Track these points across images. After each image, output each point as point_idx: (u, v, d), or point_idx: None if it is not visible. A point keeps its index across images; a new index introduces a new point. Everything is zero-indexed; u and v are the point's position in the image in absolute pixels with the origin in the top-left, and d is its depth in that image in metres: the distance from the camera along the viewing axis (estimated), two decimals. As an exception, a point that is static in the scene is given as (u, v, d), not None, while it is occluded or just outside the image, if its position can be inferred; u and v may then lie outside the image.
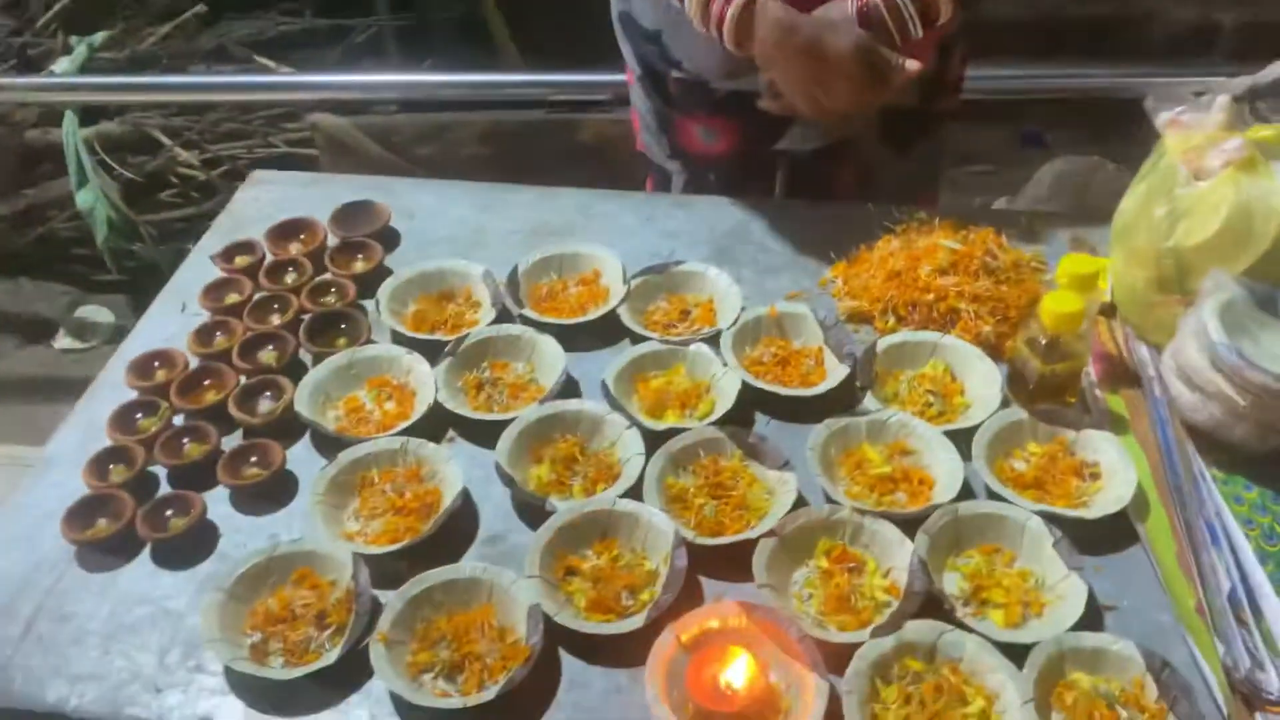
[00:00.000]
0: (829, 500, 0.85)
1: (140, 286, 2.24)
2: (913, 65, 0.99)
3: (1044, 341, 0.90)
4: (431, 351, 0.99)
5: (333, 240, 1.14)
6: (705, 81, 1.17)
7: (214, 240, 1.19)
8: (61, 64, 2.10)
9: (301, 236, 1.14)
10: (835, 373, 0.97)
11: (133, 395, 0.96)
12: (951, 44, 1.22)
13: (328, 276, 1.10)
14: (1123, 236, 1.00)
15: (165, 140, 2.12)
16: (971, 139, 2.52)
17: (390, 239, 1.17)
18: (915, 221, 1.13)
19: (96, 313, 2.24)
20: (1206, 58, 2.58)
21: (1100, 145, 2.48)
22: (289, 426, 0.93)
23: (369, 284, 1.08)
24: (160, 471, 0.91)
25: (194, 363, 1.00)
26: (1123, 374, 0.97)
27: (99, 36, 2.16)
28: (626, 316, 1.03)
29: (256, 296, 1.07)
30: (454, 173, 1.96)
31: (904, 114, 1.20)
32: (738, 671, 0.71)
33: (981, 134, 2.56)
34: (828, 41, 0.98)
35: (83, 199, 2.08)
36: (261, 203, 1.25)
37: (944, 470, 0.87)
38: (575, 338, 1.02)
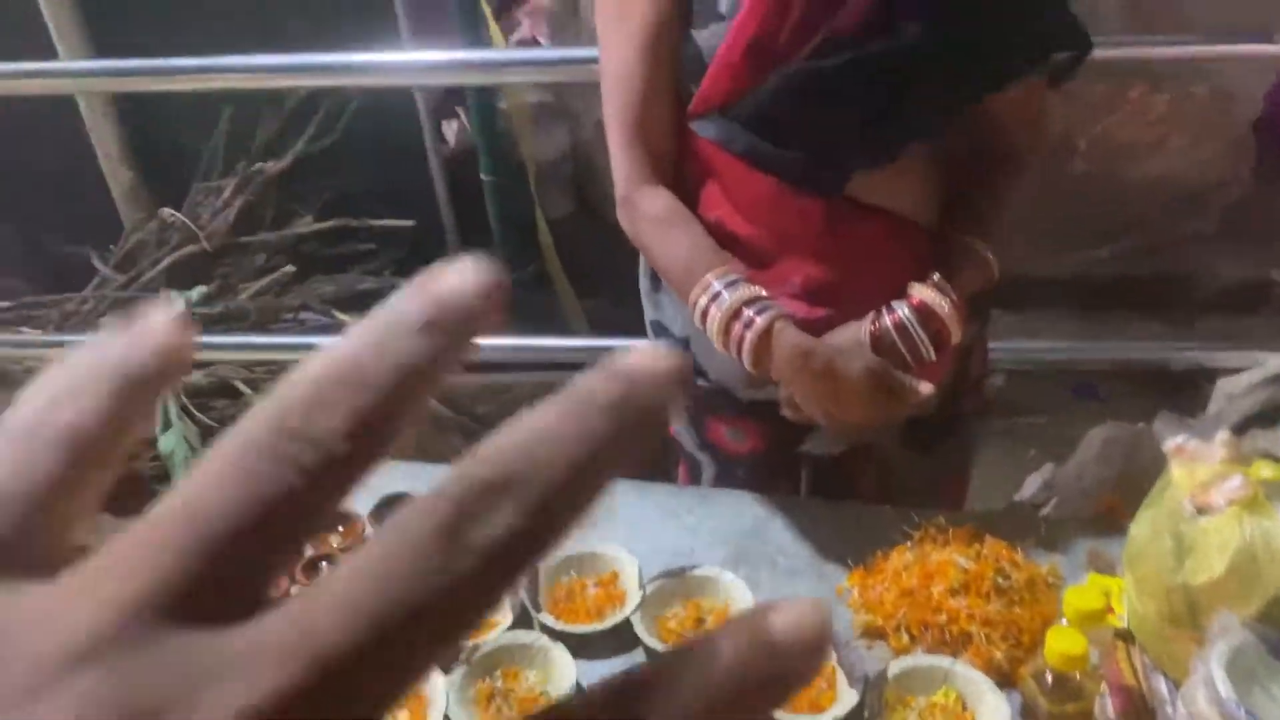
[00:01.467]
0: None
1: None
2: (925, 388, 1.04)
3: (1050, 680, 0.90)
4: (450, 659, 1.02)
5: (371, 534, 1.20)
6: (730, 389, 1.24)
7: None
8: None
9: (340, 529, 1.21)
10: (846, 697, 0.97)
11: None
12: (970, 348, 1.26)
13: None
14: (1133, 564, 1.00)
15: (245, 389, 2.27)
16: (1023, 389, 2.55)
17: (425, 532, 1.23)
18: (933, 527, 1.15)
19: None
20: (1258, 314, 2.61)
21: (1155, 398, 2.49)
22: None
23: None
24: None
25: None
26: (1143, 709, 0.96)
27: (197, 292, 2.35)
28: (640, 626, 1.06)
29: (293, 590, 1.12)
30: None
31: (926, 418, 1.24)
32: None
33: (1034, 385, 2.59)
34: (841, 365, 1.03)
35: (164, 443, 2.22)
36: (311, 488, 1.32)
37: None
38: (589, 645, 1.05)
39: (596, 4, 1.18)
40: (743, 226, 1.13)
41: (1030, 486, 2.05)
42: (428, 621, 0.16)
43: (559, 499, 0.17)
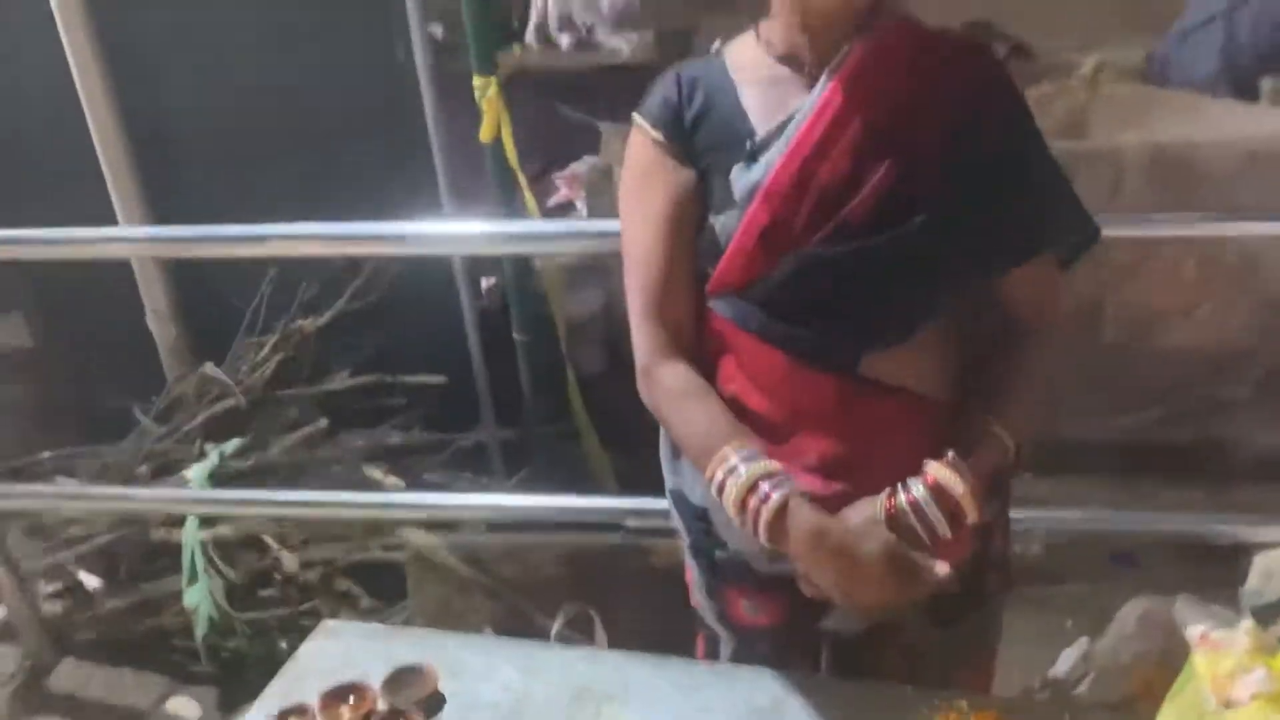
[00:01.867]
0: None
1: (230, 680, 2.32)
2: (943, 569, 1.03)
3: None
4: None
5: (382, 705, 1.19)
6: (749, 561, 1.23)
7: (278, 686, 1.26)
8: (194, 470, 2.33)
9: (351, 700, 1.20)
10: None
11: None
12: (992, 524, 1.25)
13: (371, 745, 1.13)
14: (1163, 759, 0.96)
15: (272, 544, 2.28)
16: (1060, 557, 2.50)
17: (435, 704, 1.21)
18: (955, 712, 1.11)
19: (184, 706, 2.31)
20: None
21: (1194, 567, 2.43)
22: None
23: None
24: None
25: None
26: None
27: (231, 445, 2.40)
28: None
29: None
30: (534, 593, 2.03)
31: (949, 596, 1.22)
32: None
33: (1070, 553, 2.53)
34: (856, 546, 1.03)
35: (190, 597, 2.22)
36: (326, 654, 1.32)
37: None
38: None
39: (620, 184, 1.24)
40: (759, 401, 1.14)
41: (1065, 662, 1.99)
42: None
43: None
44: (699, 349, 1.19)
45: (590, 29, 3.52)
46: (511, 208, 2.31)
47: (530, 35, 3.70)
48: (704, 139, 1.15)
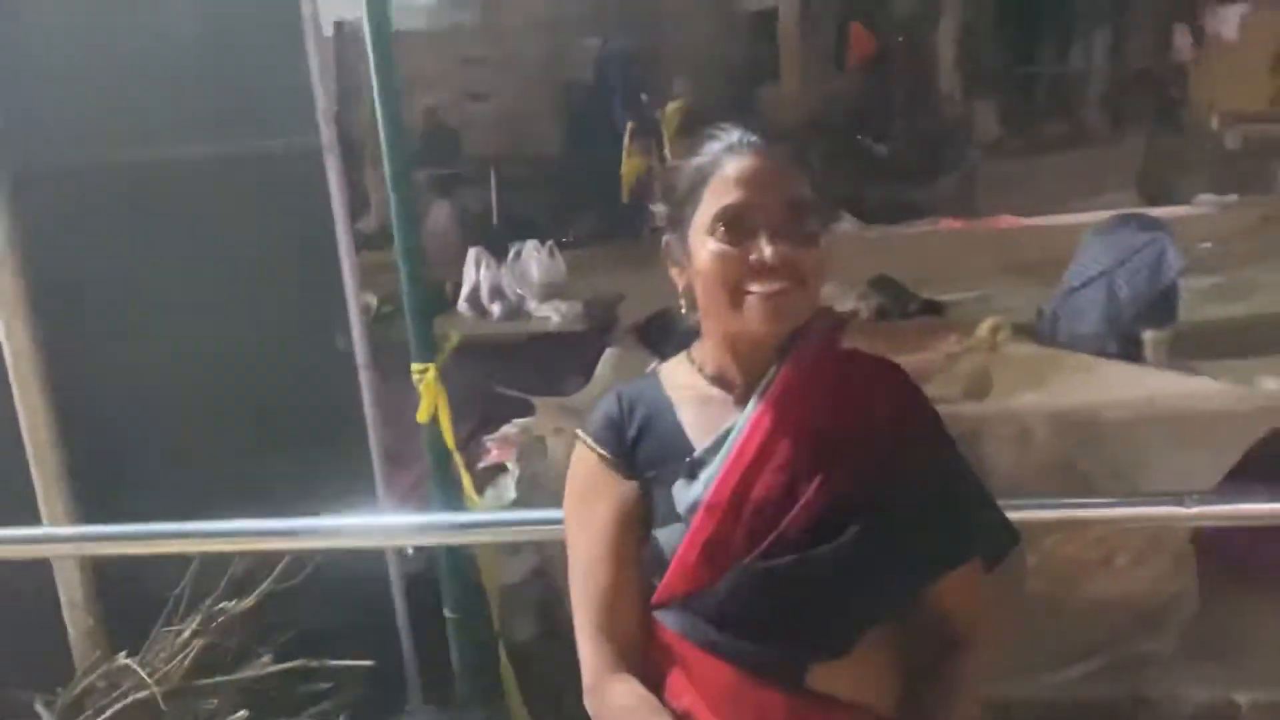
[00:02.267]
0: None
1: None
2: None
3: None
4: None
5: None
6: None
7: None
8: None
9: None
10: None
11: None
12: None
13: None
14: None
15: None
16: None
17: None
18: None
19: None
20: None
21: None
22: None
23: None
24: None
25: None
26: None
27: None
28: None
29: None
30: None
31: None
32: None
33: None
34: None
35: None
36: None
37: None
38: None
39: (566, 493, 1.28)
40: (709, 717, 1.15)
41: None
42: None
43: None
44: (648, 663, 1.20)
45: (520, 298, 3.70)
46: (446, 487, 2.33)
47: (462, 304, 3.87)
48: (645, 455, 1.21)
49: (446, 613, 2.42)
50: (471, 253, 3.77)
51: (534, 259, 3.70)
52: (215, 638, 2.41)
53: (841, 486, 1.13)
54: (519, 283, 3.66)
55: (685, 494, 1.16)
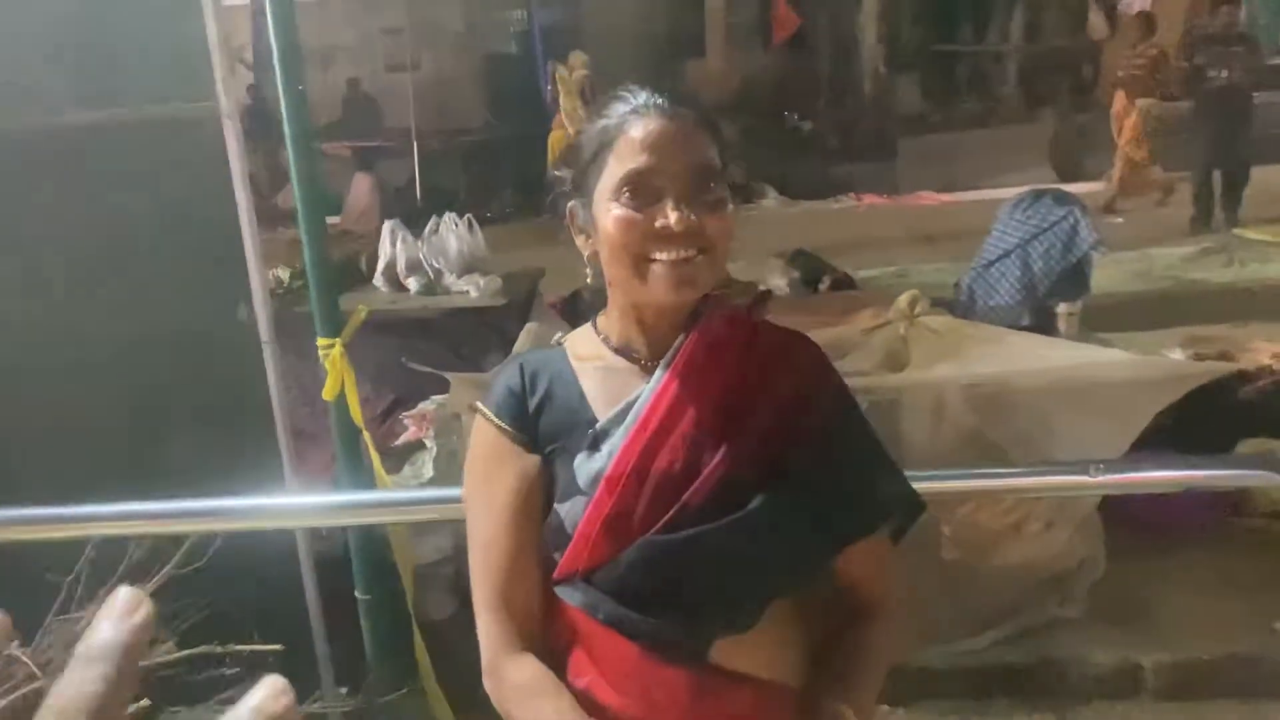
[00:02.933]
0: None
1: None
2: None
3: None
4: None
5: None
6: None
7: None
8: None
9: None
10: None
11: None
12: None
13: None
14: None
15: None
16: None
17: None
18: None
19: None
20: (1134, 698, 2.66)
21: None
22: None
23: None
24: None
25: None
26: None
27: (36, 736, 2.16)
28: None
29: None
30: None
31: None
32: None
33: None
34: None
35: None
36: None
37: None
38: None
39: (465, 467, 1.24)
40: (611, 696, 1.12)
41: None
42: None
43: None
44: (550, 641, 1.17)
45: (438, 273, 3.63)
46: (355, 466, 2.27)
47: (379, 278, 3.78)
48: (547, 426, 1.18)
49: (358, 594, 2.37)
50: (387, 226, 3.68)
51: (452, 233, 3.62)
52: (115, 624, 2.31)
53: (746, 457, 1.11)
54: (436, 257, 3.58)
55: (587, 466, 1.13)
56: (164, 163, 2.33)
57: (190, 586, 2.41)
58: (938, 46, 11.85)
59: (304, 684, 2.49)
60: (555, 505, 1.15)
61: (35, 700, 2.27)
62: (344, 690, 2.58)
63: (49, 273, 2.38)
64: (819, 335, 3.70)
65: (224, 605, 2.43)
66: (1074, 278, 4.73)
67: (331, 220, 8.07)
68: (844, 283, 4.58)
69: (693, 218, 1.08)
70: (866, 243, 7.53)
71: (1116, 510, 2.98)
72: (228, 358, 2.40)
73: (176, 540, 2.38)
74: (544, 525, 1.15)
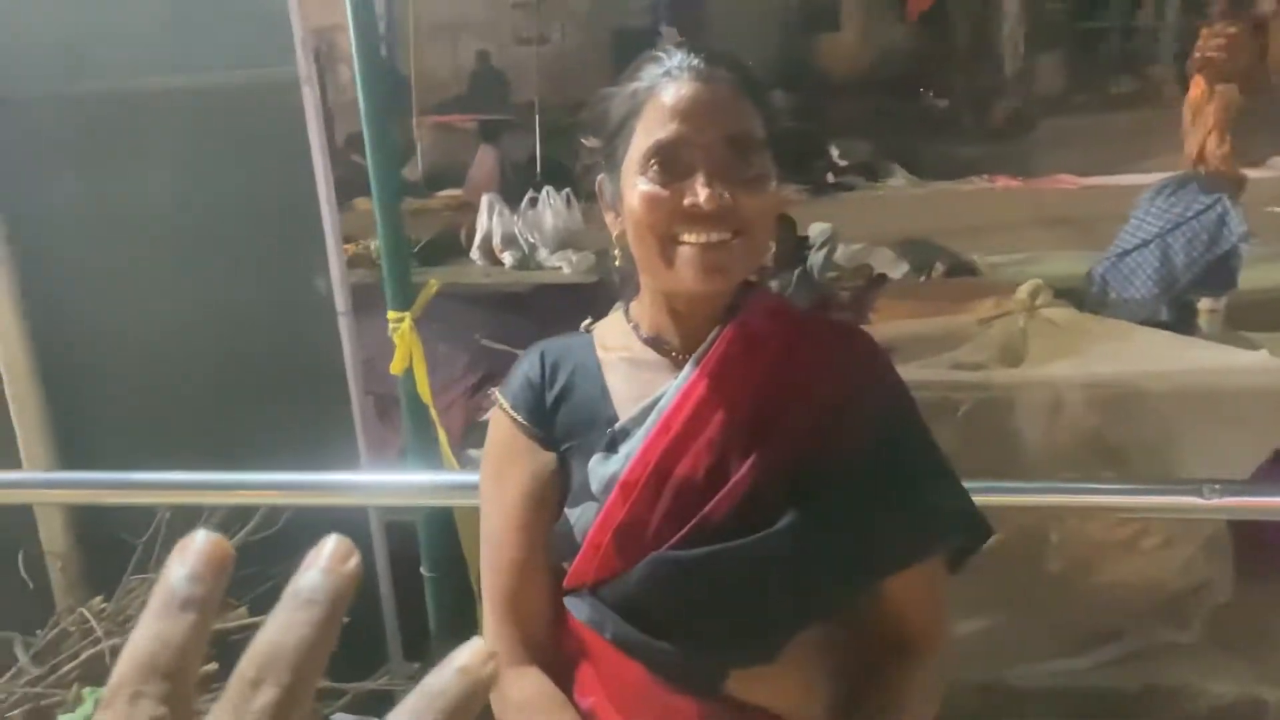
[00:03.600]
0: None
1: None
2: None
3: None
4: None
5: None
6: None
7: None
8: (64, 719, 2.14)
9: None
10: None
11: None
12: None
13: None
14: None
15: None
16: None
17: None
18: None
19: None
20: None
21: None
22: None
23: None
24: None
25: None
26: None
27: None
28: None
29: None
30: None
31: None
32: None
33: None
34: None
35: None
36: None
37: None
38: None
39: (482, 458, 1.16)
40: None
41: None
42: None
43: (297, 674, 0.30)
44: (560, 651, 1.09)
45: (533, 247, 3.58)
46: (423, 443, 2.23)
47: (475, 252, 3.76)
48: (564, 422, 1.08)
49: (424, 570, 2.34)
50: (485, 199, 3.65)
51: (549, 207, 3.56)
52: (188, 587, 2.34)
53: (779, 468, 0.99)
54: (532, 231, 3.53)
55: (602, 469, 1.03)
56: (247, 129, 2.33)
57: (263, 554, 2.43)
58: (1084, 24, 11.19)
59: (372, 658, 2.49)
60: (565, 510, 1.05)
61: (114, 654, 2.33)
62: (416, 665, 2.57)
63: (131, 241, 2.41)
64: (931, 324, 3.52)
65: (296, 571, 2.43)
66: (1219, 271, 4.37)
67: (454, 192, 8.16)
68: (961, 269, 4.34)
69: (726, 196, 0.96)
70: (996, 227, 7.17)
71: (1249, 530, 2.71)
72: (308, 328, 2.39)
73: (250, 507, 2.40)
74: (553, 530, 1.06)
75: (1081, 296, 4.27)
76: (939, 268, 4.21)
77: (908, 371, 2.81)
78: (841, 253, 4.27)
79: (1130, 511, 2.10)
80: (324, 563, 0.34)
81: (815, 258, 4.12)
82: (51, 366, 2.50)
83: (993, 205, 8.38)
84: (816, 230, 4.49)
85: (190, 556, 0.33)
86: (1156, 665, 2.58)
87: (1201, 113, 7.04)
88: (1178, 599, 2.68)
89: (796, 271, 3.96)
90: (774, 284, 3.54)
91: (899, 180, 9.54)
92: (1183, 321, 4.17)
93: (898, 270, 4.32)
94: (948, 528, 1.07)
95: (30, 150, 2.34)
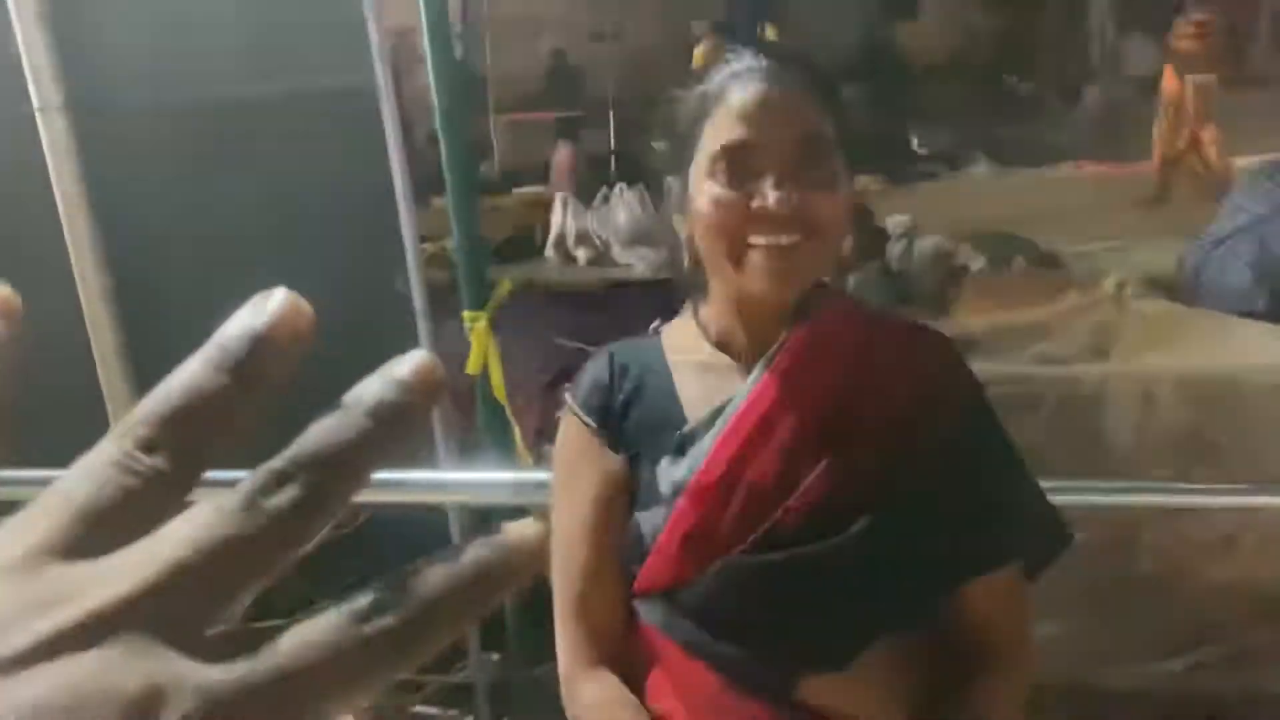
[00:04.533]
0: None
1: None
2: None
3: None
4: None
5: None
6: None
7: None
8: None
9: None
10: None
11: None
12: None
13: None
14: None
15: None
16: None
17: None
18: None
19: None
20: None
21: None
22: None
23: None
24: None
25: None
26: None
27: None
28: None
29: None
30: None
31: None
32: None
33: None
34: None
35: None
36: None
37: None
38: None
39: (554, 462, 1.16)
40: (688, 726, 1.02)
41: None
42: (238, 552, 0.25)
43: (331, 480, 0.26)
44: (632, 655, 1.08)
45: (606, 244, 3.59)
46: (499, 441, 2.26)
47: (549, 250, 3.79)
48: (634, 425, 1.08)
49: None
50: (558, 197, 3.67)
51: (621, 204, 3.57)
52: (274, 586, 2.40)
53: (852, 473, 0.97)
54: (605, 228, 3.54)
55: (671, 473, 1.03)
56: (327, 134, 2.38)
57: (344, 551, 2.48)
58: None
59: (450, 651, 2.52)
60: (636, 514, 1.05)
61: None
62: (495, 657, 2.60)
63: (217, 247, 2.48)
64: (1014, 317, 3.43)
65: (376, 570, 2.48)
66: (1322, 259, 4.18)
67: (532, 189, 8.22)
68: (1043, 261, 4.23)
69: (795, 198, 0.95)
70: (1084, 214, 6.96)
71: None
72: (387, 329, 2.43)
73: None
74: (623, 534, 1.06)
75: (1172, 287, 4.13)
76: (1020, 260, 4.11)
77: (989, 366, 2.76)
78: (920, 245, 4.20)
79: (1226, 511, 2.02)
80: (405, 374, 0.27)
81: (893, 250, 4.06)
82: (145, 374, 2.59)
83: (1080, 191, 8.14)
84: (895, 222, 4.42)
85: (262, 314, 0.27)
86: (1255, 669, 2.48)
87: (1177, 107, 6.48)
88: (1277, 600, 2.58)
89: (875, 265, 3.90)
90: (851, 279, 3.49)
91: (981, 168, 9.33)
92: (1280, 314, 4.01)
93: (977, 263, 4.23)
94: (1026, 534, 1.04)
95: (123, 152, 2.43)
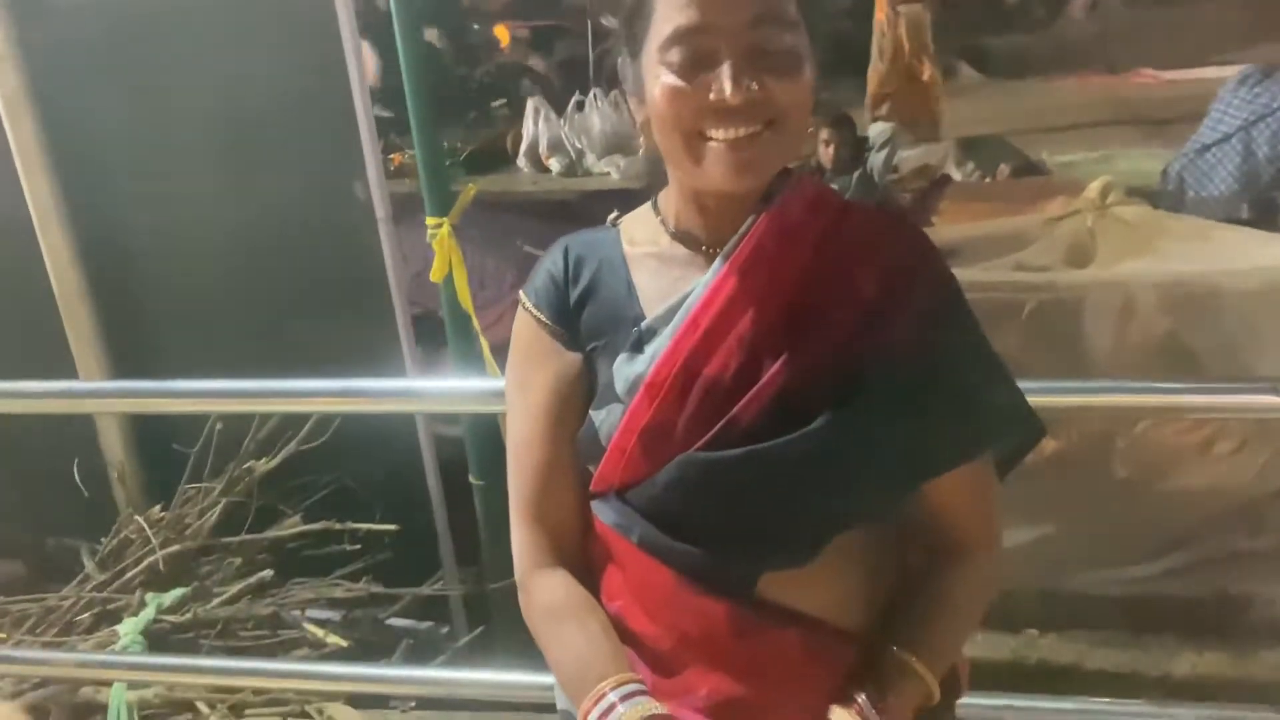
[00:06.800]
0: None
1: None
2: None
3: None
4: None
5: None
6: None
7: None
8: (125, 625, 2.20)
9: None
10: None
11: None
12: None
13: None
14: None
15: (204, 709, 2.13)
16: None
17: None
18: None
19: None
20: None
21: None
22: None
23: None
24: None
25: None
26: None
27: (170, 596, 2.27)
28: None
29: None
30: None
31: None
32: None
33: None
34: None
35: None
36: None
37: None
38: None
39: (508, 359, 1.11)
40: (644, 624, 1.00)
41: None
42: None
43: None
44: (588, 554, 1.05)
45: (580, 153, 3.49)
46: (465, 350, 2.21)
47: (521, 159, 3.68)
48: (589, 321, 1.03)
49: (472, 479, 2.34)
50: (530, 104, 3.55)
51: (596, 111, 3.46)
52: (242, 496, 2.38)
53: (814, 366, 0.93)
54: (579, 136, 3.44)
55: (627, 369, 0.98)
56: (283, 35, 2.27)
57: (315, 464, 2.45)
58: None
59: (425, 564, 2.51)
60: (590, 412, 1.00)
61: (172, 562, 2.38)
62: (472, 570, 2.59)
63: (172, 151, 2.39)
64: (996, 225, 3.36)
65: (347, 481, 2.46)
66: (1307, 165, 4.13)
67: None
68: (1029, 169, 4.16)
69: (754, 86, 0.88)
70: (1071, 125, 6.86)
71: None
72: (349, 235, 2.35)
73: (300, 417, 2.41)
74: (578, 433, 1.02)
75: (1157, 195, 4.07)
76: (1004, 169, 4.04)
77: (970, 274, 2.71)
78: (903, 154, 4.12)
79: (1201, 412, 1.99)
80: None
81: (875, 159, 3.98)
82: (98, 275, 2.52)
83: (1067, 101, 8.01)
84: (876, 131, 4.32)
85: None
86: (1227, 574, 2.50)
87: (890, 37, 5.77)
88: (1252, 506, 2.58)
89: (856, 174, 3.82)
90: (834, 187, 3.42)
91: (964, 78, 9.16)
92: (1265, 219, 3.96)
93: (961, 171, 4.15)
94: (997, 426, 1.01)
95: (66, 54, 2.32)
